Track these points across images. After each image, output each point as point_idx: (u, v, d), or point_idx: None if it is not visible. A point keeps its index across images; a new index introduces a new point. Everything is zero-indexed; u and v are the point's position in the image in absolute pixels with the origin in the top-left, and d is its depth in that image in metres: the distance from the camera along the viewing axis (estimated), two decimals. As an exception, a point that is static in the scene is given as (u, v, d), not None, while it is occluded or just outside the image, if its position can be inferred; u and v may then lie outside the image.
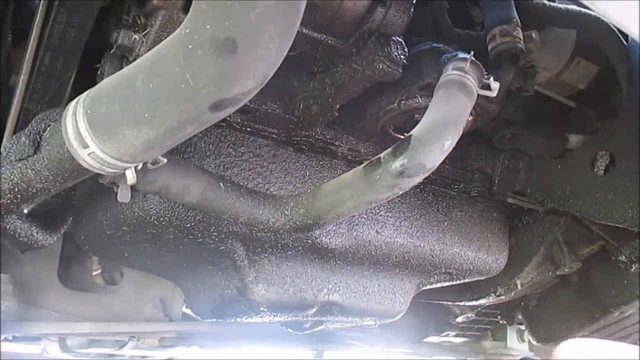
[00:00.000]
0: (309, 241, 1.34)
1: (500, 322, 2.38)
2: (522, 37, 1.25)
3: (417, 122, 1.02)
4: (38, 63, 1.04)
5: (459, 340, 2.64)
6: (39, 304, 1.69)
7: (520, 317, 2.15)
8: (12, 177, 0.92)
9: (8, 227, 1.21)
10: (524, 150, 1.63)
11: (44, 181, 0.91)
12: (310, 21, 1.05)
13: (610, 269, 1.70)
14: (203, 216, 1.19)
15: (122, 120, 0.77)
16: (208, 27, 0.66)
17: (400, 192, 1.01)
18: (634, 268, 1.61)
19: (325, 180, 1.31)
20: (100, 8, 1.01)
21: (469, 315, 2.24)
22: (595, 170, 1.50)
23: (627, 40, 1.40)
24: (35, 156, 0.91)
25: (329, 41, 1.11)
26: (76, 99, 0.84)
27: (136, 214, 1.16)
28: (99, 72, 1.06)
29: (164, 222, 1.17)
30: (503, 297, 1.84)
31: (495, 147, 1.62)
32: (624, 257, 1.61)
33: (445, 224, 1.56)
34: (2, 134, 1.12)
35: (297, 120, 1.25)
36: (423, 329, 2.48)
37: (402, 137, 1.01)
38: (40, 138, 0.92)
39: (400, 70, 1.11)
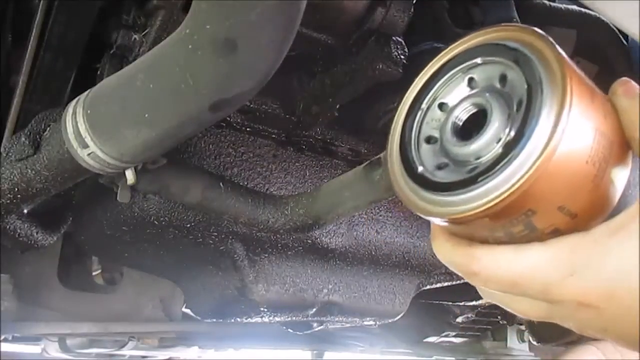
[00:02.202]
0: (309, 241, 1.34)
1: (501, 322, 2.38)
2: (522, 37, 1.25)
3: (417, 122, 1.01)
4: (38, 63, 1.04)
5: (459, 340, 2.64)
6: (39, 304, 1.69)
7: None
8: (12, 177, 0.92)
9: (8, 227, 1.21)
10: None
11: (43, 181, 0.91)
12: (310, 21, 1.05)
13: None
14: (203, 216, 1.18)
15: (122, 120, 0.77)
16: (208, 27, 0.66)
17: (401, 192, 1.01)
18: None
19: (325, 180, 1.31)
20: (100, 8, 1.01)
21: (469, 315, 2.24)
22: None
23: (627, 40, 1.41)
24: (35, 156, 0.90)
25: (329, 41, 1.11)
26: (76, 99, 0.84)
27: (136, 214, 1.16)
28: (99, 72, 1.05)
29: (164, 222, 1.17)
30: (503, 297, 1.84)
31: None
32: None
33: (446, 224, 1.56)
34: (2, 134, 1.12)
35: (297, 120, 1.25)
36: (423, 329, 2.48)
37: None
38: (40, 138, 0.92)
39: (401, 70, 1.11)
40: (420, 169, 0.48)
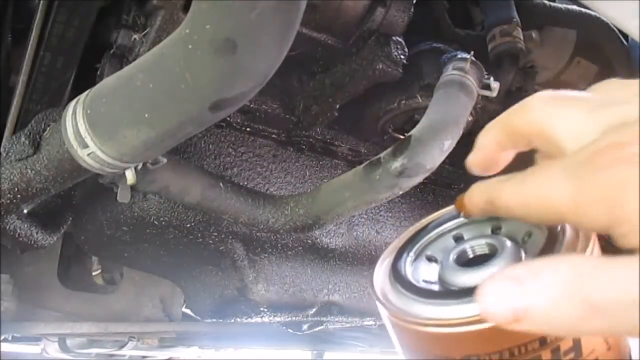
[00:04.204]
0: (309, 241, 1.34)
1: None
2: (522, 37, 1.25)
3: (417, 122, 1.02)
4: (38, 63, 1.04)
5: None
6: (39, 304, 1.69)
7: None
8: (12, 177, 0.92)
9: (8, 227, 1.21)
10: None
11: (43, 181, 0.91)
12: (310, 21, 1.05)
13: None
14: (203, 216, 1.18)
15: (122, 120, 0.77)
16: (208, 27, 0.66)
17: (400, 192, 1.01)
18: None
19: (325, 180, 1.31)
20: (100, 8, 1.01)
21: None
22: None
23: (627, 40, 1.41)
24: (35, 156, 0.90)
25: (329, 41, 1.11)
26: (76, 99, 0.84)
27: (136, 214, 1.16)
28: (98, 72, 1.05)
29: (164, 222, 1.17)
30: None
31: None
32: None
33: (445, 224, 1.56)
34: (2, 134, 1.12)
35: (297, 120, 1.25)
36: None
37: (402, 137, 1.00)
38: (40, 138, 0.92)
39: (400, 70, 1.11)
40: (434, 287, 0.45)
